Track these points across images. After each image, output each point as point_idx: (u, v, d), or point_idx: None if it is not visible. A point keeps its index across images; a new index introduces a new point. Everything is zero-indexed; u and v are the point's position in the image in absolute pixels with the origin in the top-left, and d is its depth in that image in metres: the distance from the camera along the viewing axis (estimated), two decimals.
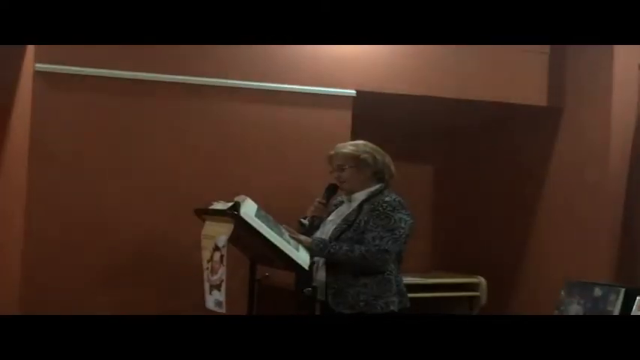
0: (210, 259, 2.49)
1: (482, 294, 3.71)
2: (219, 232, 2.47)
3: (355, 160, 2.66)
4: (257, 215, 2.44)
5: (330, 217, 2.72)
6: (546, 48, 3.59)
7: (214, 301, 2.47)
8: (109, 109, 3.07)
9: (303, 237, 2.59)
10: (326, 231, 2.65)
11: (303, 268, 2.44)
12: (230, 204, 2.47)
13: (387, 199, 2.58)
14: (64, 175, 3.00)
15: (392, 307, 2.54)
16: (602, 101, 3.37)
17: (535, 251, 3.78)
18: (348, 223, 2.60)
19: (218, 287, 2.44)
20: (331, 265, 2.57)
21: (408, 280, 2.88)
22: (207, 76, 3.16)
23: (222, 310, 2.43)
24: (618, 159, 3.32)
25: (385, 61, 3.38)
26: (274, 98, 3.24)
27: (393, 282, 2.57)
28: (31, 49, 3.00)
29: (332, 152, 2.72)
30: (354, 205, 2.65)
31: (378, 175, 2.68)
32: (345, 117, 3.32)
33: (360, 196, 2.66)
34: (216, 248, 2.45)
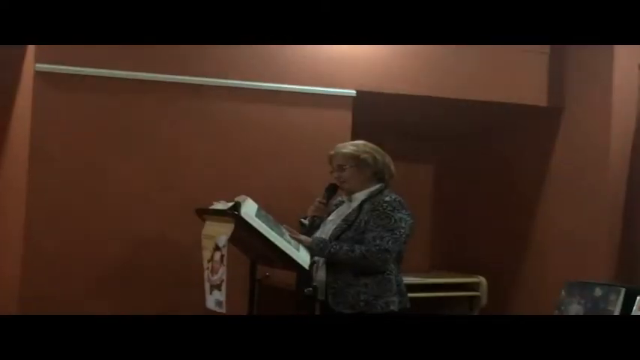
0: (211, 259, 2.49)
1: (482, 294, 3.71)
2: (219, 232, 2.47)
3: (355, 160, 2.66)
4: (257, 215, 2.44)
5: (330, 217, 2.72)
6: (546, 48, 3.59)
7: (215, 301, 2.47)
8: (109, 109, 3.07)
9: (303, 237, 2.59)
10: (326, 231, 2.65)
11: (303, 268, 2.45)
12: (230, 204, 2.47)
13: (387, 198, 2.58)
14: (64, 175, 2.99)
15: (392, 307, 2.54)
16: (602, 101, 3.37)
17: (535, 251, 3.78)
18: (348, 223, 2.60)
19: (218, 287, 2.44)
20: (331, 265, 2.57)
21: (409, 280, 2.88)
22: (207, 76, 3.16)
23: (223, 310, 2.43)
24: (618, 159, 3.32)
25: (385, 61, 3.38)
26: (274, 98, 3.24)
27: (393, 282, 2.57)
28: (31, 49, 3.00)
29: (332, 152, 2.72)
30: (355, 205, 2.65)
31: (378, 175, 2.68)
32: (345, 117, 3.32)
33: (360, 196, 2.66)
34: (217, 248, 2.45)
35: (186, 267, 2.84)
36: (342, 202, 2.75)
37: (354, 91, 3.34)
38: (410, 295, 2.67)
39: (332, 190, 2.73)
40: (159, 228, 3.08)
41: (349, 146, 2.70)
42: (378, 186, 2.67)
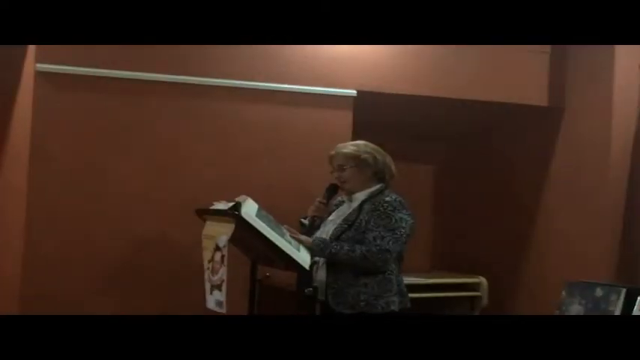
0: (211, 259, 2.49)
1: (483, 294, 3.71)
2: (220, 232, 2.47)
3: (356, 160, 2.66)
4: (258, 215, 2.44)
5: (330, 217, 2.71)
6: (547, 48, 3.59)
7: (215, 301, 2.47)
8: (110, 109, 3.07)
9: (304, 237, 2.59)
10: (326, 231, 2.65)
11: (304, 269, 2.44)
12: (231, 204, 2.47)
13: (387, 198, 2.58)
14: (65, 175, 3.00)
15: (392, 307, 2.54)
16: (603, 101, 3.37)
17: (536, 251, 3.78)
18: (348, 223, 2.60)
19: (219, 287, 2.44)
20: (332, 265, 2.57)
21: (409, 280, 2.88)
22: (207, 77, 3.16)
23: (223, 310, 2.43)
24: (619, 158, 3.31)
25: (386, 61, 3.38)
26: (275, 98, 3.24)
27: (393, 282, 2.57)
28: (32, 49, 3.00)
29: (332, 152, 2.72)
30: (355, 205, 2.65)
31: (379, 175, 2.68)
32: (346, 117, 3.32)
33: (360, 196, 2.66)
34: (217, 248, 2.45)
35: (187, 267, 2.84)
36: (342, 202, 2.75)
37: (355, 91, 3.33)
38: (410, 295, 2.67)
39: (332, 190, 2.73)
40: (159, 228, 3.08)
41: (350, 146, 2.70)
42: (378, 186, 2.67)
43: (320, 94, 3.29)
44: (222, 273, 2.42)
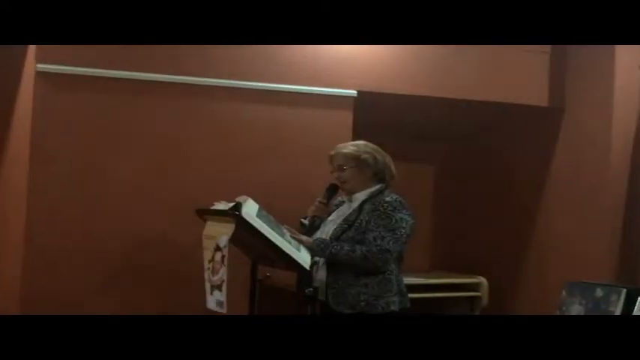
0: (212, 260, 2.49)
1: (483, 294, 3.71)
2: (220, 233, 2.47)
3: (356, 160, 2.66)
4: (258, 215, 2.44)
5: (330, 217, 2.72)
6: (547, 48, 3.59)
7: (215, 301, 2.47)
8: (110, 109, 3.07)
9: (304, 237, 2.59)
10: (326, 231, 2.65)
11: (304, 269, 2.44)
12: (231, 204, 2.47)
13: (387, 199, 2.58)
14: (65, 175, 3.00)
15: (393, 307, 2.54)
16: (603, 101, 3.36)
17: (536, 251, 3.78)
18: (348, 223, 2.60)
19: (219, 287, 2.44)
20: (332, 265, 2.57)
21: (409, 280, 2.88)
22: (207, 77, 3.16)
23: (224, 311, 2.43)
24: (619, 159, 3.31)
25: (386, 61, 3.38)
26: (275, 99, 3.24)
27: (393, 282, 2.57)
28: (32, 49, 3.00)
29: (332, 152, 2.72)
30: (355, 205, 2.65)
31: (379, 175, 2.68)
32: (346, 117, 3.31)
33: (360, 196, 2.66)
34: (218, 248, 2.45)
35: (187, 267, 2.84)
36: (342, 203, 2.75)
37: (355, 92, 3.33)
38: (410, 295, 2.67)
39: (332, 190, 2.73)
40: (159, 228, 3.08)
41: (350, 146, 2.70)
42: (378, 186, 2.67)
43: (320, 94, 3.29)
44: (223, 273, 2.42)
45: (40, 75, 2.97)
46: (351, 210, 2.65)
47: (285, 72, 3.25)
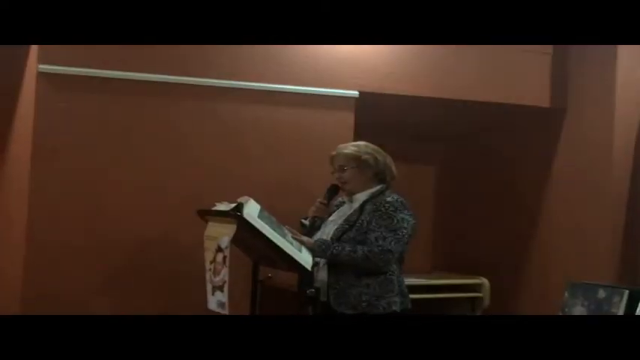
0: (213, 260, 2.49)
1: (485, 295, 3.70)
2: (221, 234, 2.46)
3: (357, 160, 2.66)
4: (260, 216, 2.44)
5: (331, 218, 2.72)
6: (549, 48, 3.58)
7: (217, 302, 2.47)
8: (111, 110, 3.07)
9: (305, 238, 2.59)
10: (327, 232, 2.65)
11: (305, 269, 2.44)
12: (233, 205, 2.47)
13: (389, 199, 2.58)
14: (66, 175, 3.00)
15: (394, 308, 2.54)
16: (605, 102, 3.36)
17: (538, 252, 3.77)
18: (349, 224, 2.60)
19: (221, 288, 2.44)
20: (333, 266, 2.57)
21: (410, 281, 2.87)
22: (208, 77, 3.16)
23: (225, 311, 2.43)
24: (621, 160, 3.31)
25: (387, 61, 3.37)
26: (276, 99, 3.24)
27: (395, 282, 2.57)
28: (34, 50, 3.01)
29: (333, 153, 2.72)
30: (356, 205, 2.65)
31: (380, 176, 2.68)
32: (348, 118, 3.31)
33: (361, 196, 2.66)
34: (219, 249, 2.45)
35: (188, 267, 2.84)
36: (342, 203, 2.75)
37: (357, 92, 3.33)
38: (411, 296, 2.67)
39: (333, 190, 2.73)
40: (161, 228, 3.08)
41: (350, 147, 2.70)
42: (379, 187, 2.67)
43: (322, 94, 3.29)
44: (224, 274, 2.42)
45: (42, 76, 2.97)
46: (352, 210, 2.65)
47: (286, 72, 3.25)
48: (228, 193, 2.67)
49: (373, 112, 3.38)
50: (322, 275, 2.58)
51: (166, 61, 3.10)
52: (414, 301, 2.67)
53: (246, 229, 2.39)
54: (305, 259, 2.47)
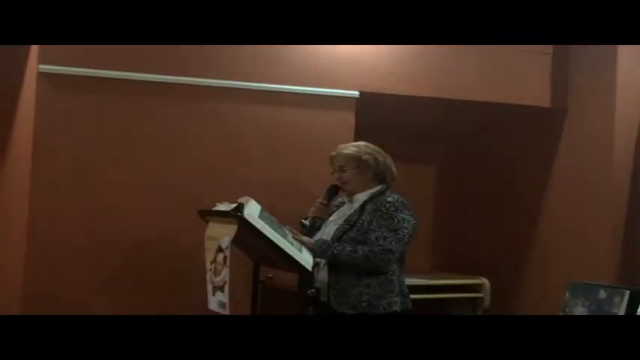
0: (214, 261, 2.49)
1: (485, 295, 3.70)
2: (222, 234, 2.47)
3: (357, 161, 2.66)
4: (261, 217, 2.44)
5: (331, 218, 2.72)
6: (549, 48, 3.58)
7: (217, 302, 2.47)
8: (111, 110, 3.08)
9: (306, 238, 2.59)
10: (327, 232, 2.65)
11: (306, 270, 2.44)
12: (234, 205, 2.47)
13: (389, 199, 2.58)
14: (67, 175, 3.00)
15: (394, 308, 2.54)
16: (605, 102, 3.36)
17: (538, 252, 3.77)
18: (350, 224, 2.60)
19: (221, 288, 2.44)
20: (333, 266, 2.57)
21: (410, 281, 2.87)
22: (209, 78, 3.16)
23: (226, 312, 2.43)
24: (622, 160, 3.31)
25: (388, 62, 3.37)
26: (277, 99, 3.24)
27: (395, 282, 2.57)
28: (34, 51, 3.01)
29: (333, 153, 2.72)
30: (356, 205, 2.65)
31: (380, 176, 2.68)
32: (348, 118, 3.31)
33: (361, 197, 2.66)
34: (220, 249, 2.45)
35: (189, 267, 2.84)
36: (342, 203, 2.75)
37: (357, 92, 3.33)
38: (412, 296, 2.67)
39: (333, 191, 2.73)
40: (161, 228, 3.08)
41: (350, 147, 2.70)
42: (379, 187, 2.67)
43: (323, 95, 3.29)
44: (225, 274, 2.42)
45: (43, 76, 2.97)
46: (352, 211, 2.65)
47: (286, 72, 3.25)
48: (228, 194, 2.67)
49: (373, 113, 3.38)
50: (322, 275, 2.58)
51: (166, 62, 3.10)
52: (414, 301, 2.67)
53: (246, 229, 2.39)
54: (305, 259, 2.47)
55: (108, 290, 3.01)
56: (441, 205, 4.45)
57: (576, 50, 3.54)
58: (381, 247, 2.50)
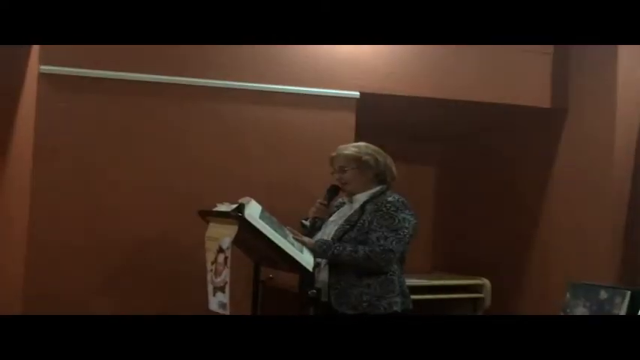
0: (214, 261, 2.49)
1: (486, 296, 3.70)
2: (223, 234, 2.46)
3: (357, 161, 2.66)
4: (261, 217, 2.44)
5: (331, 219, 2.71)
6: (550, 48, 3.58)
7: (218, 302, 2.47)
8: (112, 111, 3.08)
9: (306, 238, 2.59)
10: (328, 232, 2.65)
11: (307, 270, 2.44)
12: (234, 206, 2.47)
13: (390, 199, 2.58)
14: (68, 175, 3.00)
15: (395, 308, 2.54)
16: (606, 102, 3.36)
17: (539, 253, 3.77)
18: (350, 224, 2.60)
19: (222, 289, 2.44)
20: (334, 266, 2.56)
21: (411, 281, 2.87)
22: (209, 78, 3.16)
23: (226, 312, 2.42)
24: (622, 160, 3.31)
25: (387, 62, 3.37)
26: (277, 100, 3.24)
27: (396, 282, 2.57)
28: (35, 51, 3.01)
29: (333, 154, 2.72)
30: (356, 206, 2.65)
31: (380, 177, 2.68)
32: (349, 118, 3.31)
33: (362, 197, 2.66)
34: (220, 250, 2.45)
35: (189, 267, 2.84)
36: (342, 204, 2.75)
37: (358, 93, 3.33)
38: (412, 297, 2.66)
39: (333, 191, 2.73)
40: (162, 228, 3.08)
41: (351, 148, 2.70)
42: (379, 187, 2.67)
43: (323, 95, 3.29)
44: (226, 275, 2.41)
45: (43, 76, 2.97)
46: (352, 211, 2.65)
47: (286, 73, 3.25)
48: (228, 194, 2.67)
49: (374, 113, 3.38)
50: (323, 276, 2.58)
51: (166, 62, 3.10)
52: (415, 301, 2.67)
53: (247, 229, 2.39)
54: (306, 259, 2.46)
55: (108, 290, 3.01)
56: (441, 206, 4.45)
57: (576, 50, 3.54)
58: (381, 247, 2.50)
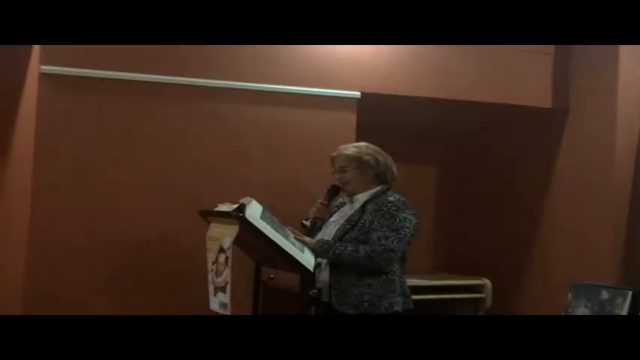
0: (215, 261, 2.49)
1: (487, 296, 3.70)
2: (224, 234, 2.46)
3: (358, 161, 2.65)
4: (262, 217, 2.44)
5: (332, 219, 2.71)
6: (550, 48, 3.58)
7: (219, 302, 2.47)
8: (112, 111, 3.08)
9: (307, 238, 2.58)
10: (328, 232, 2.64)
11: (308, 270, 2.44)
12: (235, 206, 2.47)
13: (391, 198, 2.58)
14: (69, 175, 3.00)
15: (396, 308, 2.53)
16: (606, 102, 3.36)
17: (540, 253, 3.77)
18: (351, 224, 2.60)
19: (223, 289, 2.44)
20: (335, 266, 2.56)
21: (412, 281, 2.87)
22: (209, 78, 3.16)
23: (227, 312, 2.42)
24: (623, 160, 3.31)
25: (388, 62, 3.37)
26: (277, 100, 3.24)
27: (397, 282, 2.57)
28: (36, 51, 3.01)
29: (334, 154, 2.72)
30: (357, 205, 2.65)
31: (380, 177, 2.68)
32: (350, 118, 3.31)
33: (362, 197, 2.66)
34: (221, 250, 2.45)
35: (189, 267, 2.84)
36: (343, 204, 2.75)
37: (359, 93, 3.33)
38: (413, 297, 2.66)
39: (334, 191, 2.73)
40: (163, 228, 3.08)
41: (351, 148, 2.70)
42: (380, 187, 2.66)
43: (324, 95, 3.29)
44: (227, 275, 2.41)
45: (44, 76, 2.97)
46: (353, 211, 2.65)
47: (287, 73, 3.25)
48: (228, 194, 2.67)
49: (374, 113, 3.38)
50: (324, 276, 2.57)
51: (167, 62, 3.10)
52: (416, 301, 2.66)
53: (248, 230, 2.39)
54: (307, 259, 2.46)
55: (108, 290, 3.01)
56: (442, 206, 4.45)
57: (577, 50, 3.54)
58: (382, 247, 2.50)
